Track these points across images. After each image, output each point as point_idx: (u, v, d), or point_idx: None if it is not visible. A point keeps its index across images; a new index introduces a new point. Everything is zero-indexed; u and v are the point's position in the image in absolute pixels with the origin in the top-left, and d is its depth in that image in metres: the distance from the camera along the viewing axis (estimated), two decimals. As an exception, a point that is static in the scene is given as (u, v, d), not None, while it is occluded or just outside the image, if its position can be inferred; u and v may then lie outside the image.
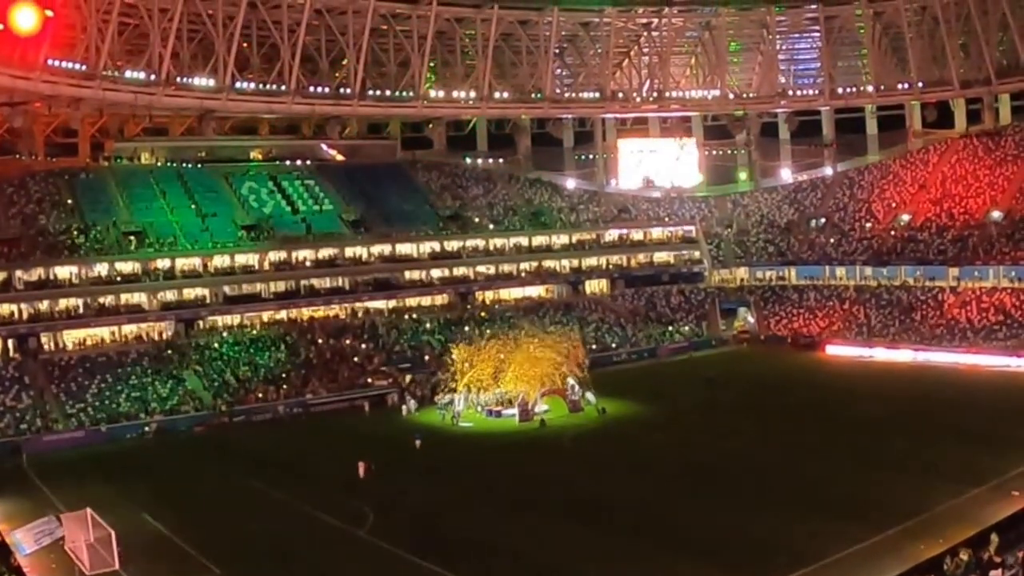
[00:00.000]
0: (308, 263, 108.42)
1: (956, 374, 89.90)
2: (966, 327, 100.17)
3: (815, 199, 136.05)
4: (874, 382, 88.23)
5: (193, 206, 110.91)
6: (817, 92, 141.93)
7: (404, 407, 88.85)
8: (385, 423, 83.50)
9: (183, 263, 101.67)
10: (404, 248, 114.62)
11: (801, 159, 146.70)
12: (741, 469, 60.99)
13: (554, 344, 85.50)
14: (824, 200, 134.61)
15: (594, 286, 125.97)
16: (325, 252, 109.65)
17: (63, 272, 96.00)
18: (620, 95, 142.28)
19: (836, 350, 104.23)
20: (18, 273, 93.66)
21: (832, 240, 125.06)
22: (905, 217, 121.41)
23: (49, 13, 79.36)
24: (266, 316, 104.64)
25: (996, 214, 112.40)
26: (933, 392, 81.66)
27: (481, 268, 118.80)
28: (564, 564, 45.66)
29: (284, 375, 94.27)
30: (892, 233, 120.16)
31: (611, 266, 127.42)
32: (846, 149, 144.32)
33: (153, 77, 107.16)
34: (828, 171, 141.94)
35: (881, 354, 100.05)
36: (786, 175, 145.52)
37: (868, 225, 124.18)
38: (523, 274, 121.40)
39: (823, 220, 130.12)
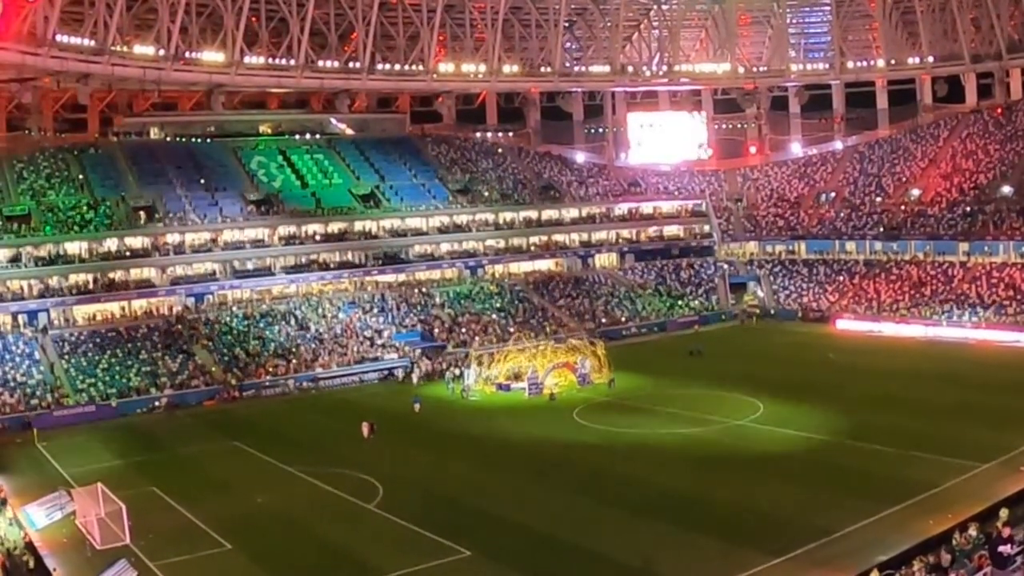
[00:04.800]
0: (318, 237, 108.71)
1: (966, 349, 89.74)
2: (976, 302, 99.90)
3: (825, 173, 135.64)
4: (883, 357, 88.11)
5: (202, 180, 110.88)
6: (827, 66, 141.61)
7: (414, 376, 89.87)
8: (395, 396, 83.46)
9: (192, 238, 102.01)
10: (414, 222, 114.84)
11: (811, 133, 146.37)
12: (749, 444, 61.05)
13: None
14: (834, 174, 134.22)
15: (604, 260, 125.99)
16: (335, 226, 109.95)
17: (73, 247, 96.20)
18: (630, 69, 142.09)
19: (846, 325, 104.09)
20: (28, 248, 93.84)
21: (842, 214, 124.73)
22: (915, 192, 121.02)
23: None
24: (276, 290, 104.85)
25: (1006, 189, 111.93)
26: (942, 367, 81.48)
27: (491, 242, 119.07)
28: (576, 538, 45.64)
29: (294, 349, 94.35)
30: (902, 208, 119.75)
31: (621, 240, 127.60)
32: (856, 123, 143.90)
33: (162, 52, 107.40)
34: (838, 145, 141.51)
35: (890, 329, 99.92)
36: (796, 149, 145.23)
37: (878, 199, 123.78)
38: (533, 248, 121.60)
39: (833, 194, 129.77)
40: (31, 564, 44.93)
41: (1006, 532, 28.49)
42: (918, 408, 66.06)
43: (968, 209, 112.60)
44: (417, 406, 77.15)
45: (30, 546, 47.00)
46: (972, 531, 35.41)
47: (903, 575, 34.15)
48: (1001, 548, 27.11)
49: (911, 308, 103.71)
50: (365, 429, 69.22)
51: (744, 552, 41.99)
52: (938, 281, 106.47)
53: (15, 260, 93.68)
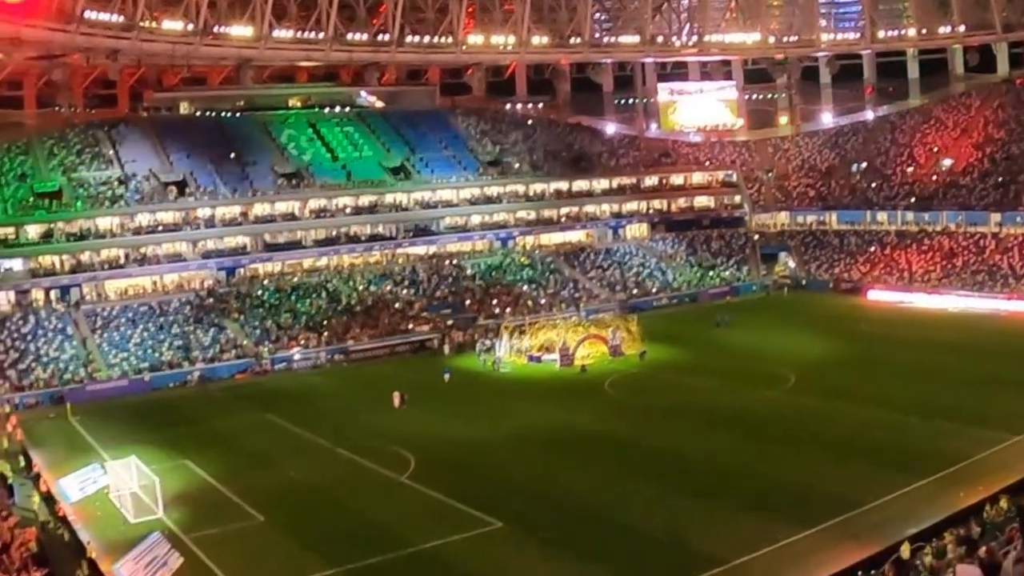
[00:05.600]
0: (348, 210, 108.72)
1: (997, 320, 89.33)
2: (1008, 273, 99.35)
3: (856, 143, 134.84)
4: (914, 328, 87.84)
5: (233, 155, 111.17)
6: (858, 35, 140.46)
7: (445, 348, 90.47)
8: (426, 368, 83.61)
9: (223, 211, 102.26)
10: (444, 194, 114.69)
11: (842, 103, 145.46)
12: (780, 416, 61.12)
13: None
14: (865, 144, 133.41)
15: (634, 230, 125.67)
16: (365, 199, 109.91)
17: (104, 223, 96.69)
18: (660, 39, 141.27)
19: (878, 295, 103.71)
20: (60, 224, 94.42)
21: (873, 185, 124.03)
22: (947, 162, 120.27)
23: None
24: (307, 263, 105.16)
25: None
26: (974, 339, 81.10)
27: (521, 213, 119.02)
28: (606, 510, 45.82)
29: (325, 322, 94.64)
30: (934, 178, 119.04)
31: (651, 210, 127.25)
32: (887, 93, 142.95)
33: (191, 27, 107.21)
34: (869, 115, 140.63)
35: (922, 300, 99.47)
36: (827, 119, 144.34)
37: (910, 170, 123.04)
38: (563, 219, 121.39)
39: (864, 164, 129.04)
40: (65, 537, 45.42)
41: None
42: (949, 379, 65.96)
43: (1000, 179, 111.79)
44: (447, 376, 77.73)
45: (64, 520, 47.51)
46: (1003, 503, 35.33)
47: (934, 547, 34.15)
48: (1033, 522, 26.99)
49: (943, 279, 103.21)
50: (396, 399, 70.03)
51: (774, 524, 42.09)
52: (970, 252, 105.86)
53: (47, 236, 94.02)
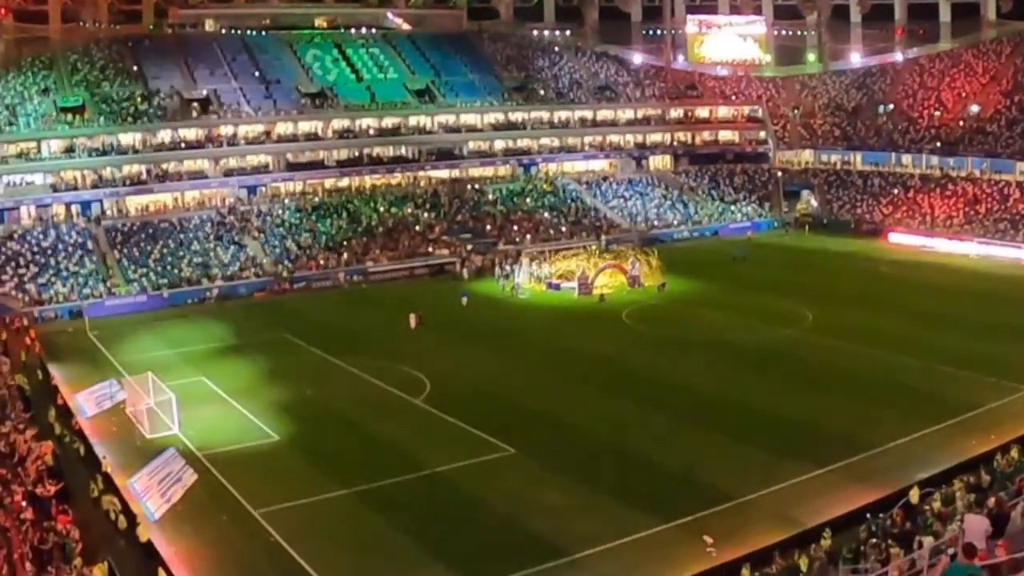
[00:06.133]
0: (371, 131, 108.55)
1: (1018, 269, 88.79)
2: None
3: (884, 85, 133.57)
4: (934, 273, 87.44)
5: (257, 73, 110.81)
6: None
7: (465, 272, 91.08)
8: (445, 291, 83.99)
9: (246, 130, 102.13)
10: (468, 118, 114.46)
11: (872, 43, 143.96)
12: (795, 354, 61.19)
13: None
14: (893, 86, 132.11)
15: (657, 162, 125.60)
16: (389, 121, 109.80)
17: (126, 138, 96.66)
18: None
19: (898, 238, 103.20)
20: (82, 139, 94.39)
21: (899, 127, 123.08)
22: (975, 108, 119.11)
23: None
24: (328, 184, 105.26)
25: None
26: (993, 287, 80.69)
27: (545, 140, 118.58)
28: (619, 441, 46.18)
29: (345, 243, 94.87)
30: (960, 123, 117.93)
31: (675, 143, 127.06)
32: (918, 36, 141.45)
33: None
34: (899, 57, 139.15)
35: (943, 245, 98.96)
36: (856, 59, 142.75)
37: (936, 114, 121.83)
38: (587, 147, 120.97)
39: (891, 106, 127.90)
40: (81, 451, 45.83)
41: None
42: (966, 326, 65.64)
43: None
44: (464, 299, 78.28)
45: (80, 434, 47.92)
46: (1014, 453, 35.52)
47: (943, 493, 34.36)
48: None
49: (965, 225, 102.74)
50: (413, 320, 70.83)
51: (785, 462, 42.34)
52: (993, 199, 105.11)
53: (69, 151, 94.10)
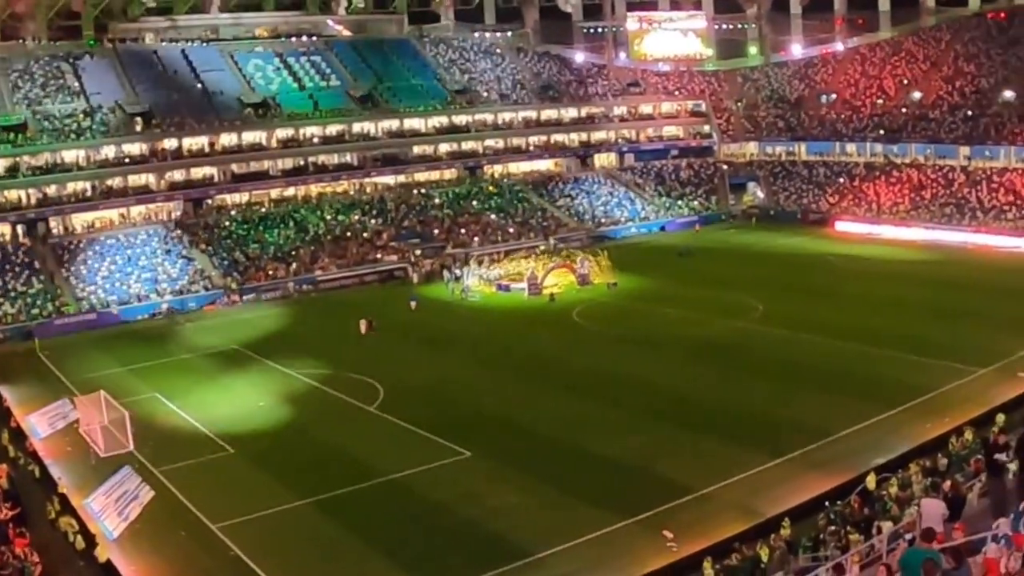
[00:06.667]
0: (316, 140, 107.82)
1: (965, 253, 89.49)
2: (976, 206, 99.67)
3: (826, 75, 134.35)
4: (881, 260, 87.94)
5: (199, 85, 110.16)
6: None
7: (414, 277, 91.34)
8: (394, 297, 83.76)
9: (190, 143, 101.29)
10: (412, 123, 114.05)
11: (812, 34, 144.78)
12: (748, 345, 61.43)
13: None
14: (835, 76, 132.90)
15: (603, 159, 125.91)
16: (333, 128, 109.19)
17: (70, 155, 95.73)
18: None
19: (845, 227, 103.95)
20: (25, 158, 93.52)
21: (842, 116, 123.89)
22: (916, 95, 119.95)
23: None
24: (274, 193, 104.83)
25: (1008, 94, 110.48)
26: (941, 272, 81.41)
27: (490, 142, 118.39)
28: (575, 438, 46.19)
29: (293, 252, 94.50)
30: (903, 111, 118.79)
31: (620, 140, 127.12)
32: (858, 25, 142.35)
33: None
34: (839, 47, 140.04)
35: (890, 232, 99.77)
36: (797, 50, 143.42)
37: (879, 102, 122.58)
38: (532, 148, 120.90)
39: (833, 96, 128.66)
40: (36, 473, 45.46)
41: (1001, 439, 28.71)
42: (916, 311, 66.27)
43: (969, 113, 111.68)
44: (414, 304, 78.48)
45: (34, 455, 47.56)
46: (968, 435, 35.78)
47: (900, 478, 34.61)
48: (997, 456, 27.34)
49: (911, 211, 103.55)
50: (363, 326, 71.04)
51: (742, 453, 42.51)
52: (938, 185, 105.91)
53: (12, 170, 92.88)
